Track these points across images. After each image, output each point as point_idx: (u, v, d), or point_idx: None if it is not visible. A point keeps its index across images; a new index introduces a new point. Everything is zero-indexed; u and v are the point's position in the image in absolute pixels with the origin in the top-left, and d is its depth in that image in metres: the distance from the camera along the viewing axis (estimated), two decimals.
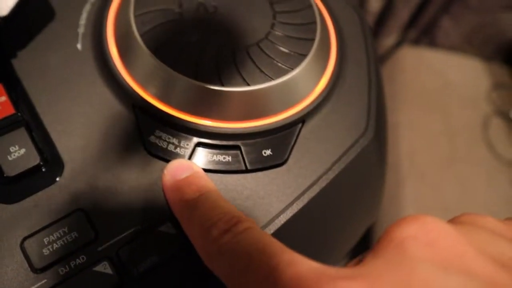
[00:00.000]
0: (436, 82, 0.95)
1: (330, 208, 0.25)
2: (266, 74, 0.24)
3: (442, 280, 0.12)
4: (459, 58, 1.00)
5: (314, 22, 0.26)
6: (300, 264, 0.14)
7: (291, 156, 0.24)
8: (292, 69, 0.24)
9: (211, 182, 0.21)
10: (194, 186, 0.20)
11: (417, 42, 1.07)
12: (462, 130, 0.90)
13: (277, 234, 0.22)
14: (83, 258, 0.20)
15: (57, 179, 0.22)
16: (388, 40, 1.04)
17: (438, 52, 1.01)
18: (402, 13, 0.98)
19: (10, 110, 0.23)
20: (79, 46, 0.26)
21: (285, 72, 0.24)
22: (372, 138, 0.26)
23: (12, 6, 0.23)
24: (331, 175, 0.24)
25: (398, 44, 1.06)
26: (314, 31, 0.26)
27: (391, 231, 0.14)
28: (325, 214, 0.25)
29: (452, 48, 1.03)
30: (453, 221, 0.16)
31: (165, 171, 0.22)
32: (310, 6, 0.27)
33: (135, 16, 0.24)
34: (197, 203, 0.19)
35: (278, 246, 0.16)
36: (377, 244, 0.15)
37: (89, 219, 0.21)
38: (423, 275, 0.13)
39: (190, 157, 0.23)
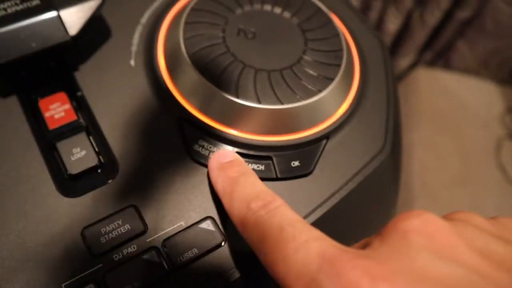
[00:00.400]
0: (450, 104, 0.98)
1: (348, 216, 0.28)
2: (298, 95, 0.27)
3: (437, 266, 0.15)
4: (474, 81, 1.02)
5: (341, 50, 0.30)
6: (325, 241, 0.17)
7: (317, 167, 0.27)
8: (321, 91, 0.27)
9: (250, 168, 0.24)
10: (236, 167, 0.23)
11: (432, 63, 1.10)
12: (475, 151, 0.92)
13: None
14: (134, 247, 0.23)
15: (112, 178, 0.25)
16: (404, 60, 1.07)
17: (453, 74, 1.04)
18: (418, 35, 1.01)
19: (72, 116, 0.27)
20: (132, 62, 0.29)
21: (314, 94, 0.27)
22: (389, 154, 0.29)
23: (81, 26, 0.27)
24: (351, 186, 0.27)
25: (414, 65, 1.08)
26: (341, 57, 0.29)
27: (397, 222, 0.17)
28: (343, 221, 0.28)
29: (467, 71, 1.05)
30: (448, 217, 0.19)
31: (211, 156, 0.25)
32: (337, 35, 0.30)
33: (184, 39, 0.28)
34: (239, 180, 0.22)
35: (307, 224, 0.19)
36: (384, 231, 0.17)
37: (140, 215, 0.24)
38: (422, 262, 0.15)
39: None
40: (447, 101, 0.99)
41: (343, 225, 0.28)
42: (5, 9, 0.26)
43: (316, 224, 0.26)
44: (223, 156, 0.24)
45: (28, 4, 0.26)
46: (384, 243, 0.17)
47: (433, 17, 0.95)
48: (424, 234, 0.17)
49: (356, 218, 0.29)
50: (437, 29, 1.01)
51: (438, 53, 1.08)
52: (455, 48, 1.05)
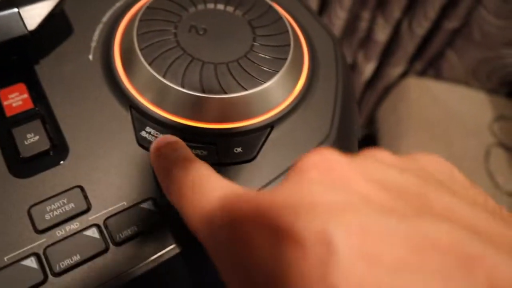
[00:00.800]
0: (440, 112, 0.99)
1: None
2: (242, 85, 0.28)
3: (326, 195, 0.15)
4: (464, 90, 1.03)
5: (289, 45, 0.31)
6: (227, 189, 0.19)
7: (260, 154, 0.28)
8: (265, 82, 0.29)
9: (187, 147, 0.25)
10: (170, 146, 0.25)
11: (422, 73, 1.11)
12: (464, 159, 0.92)
13: None
14: (76, 224, 0.25)
15: (62, 162, 0.27)
16: (395, 70, 1.09)
17: (443, 84, 1.05)
18: (408, 45, 1.02)
19: (29, 105, 0.28)
20: (90, 57, 0.31)
21: (258, 84, 0.29)
22: (334, 143, 0.30)
23: (39, 22, 0.29)
24: None
25: (404, 75, 1.10)
26: (288, 52, 0.31)
27: (299, 161, 0.18)
28: None
29: (457, 80, 1.06)
30: (356, 154, 0.19)
31: (153, 141, 0.26)
32: (286, 31, 0.32)
33: (137, 35, 0.29)
34: (167, 154, 0.24)
35: (216, 178, 0.20)
36: (289, 171, 0.18)
37: (85, 194, 0.26)
38: (312, 193, 0.16)
39: None
40: (437, 110, 1.00)
41: None
42: None
43: None
44: (163, 141, 0.26)
45: None
46: (286, 181, 0.18)
47: (421, 27, 0.97)
48: (321, 169, 0.17)
49: None
50: (426, 39, 1.03)
51: (428, 63, 1.10)
52: (445, 57, 1.06)
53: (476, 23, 0.95)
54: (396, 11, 0.96)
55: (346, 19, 0.99)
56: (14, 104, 0.28)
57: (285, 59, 0.30)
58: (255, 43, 0.31)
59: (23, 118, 0.28)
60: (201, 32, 0.31)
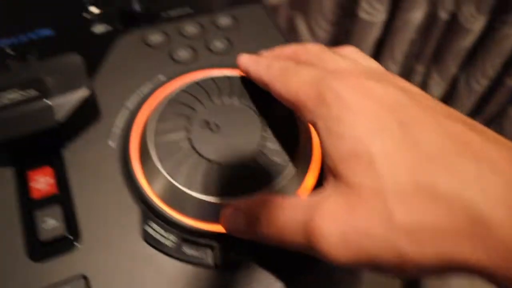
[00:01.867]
0: None
1: None
2: (249, 189, 0.29)
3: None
4: None
5: (297, 145, 0.31)
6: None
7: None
8: (272, 182, 0.29)
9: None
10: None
11: None
12: None
13: None
14: None
15: (73, 249, 0.28)
16: None
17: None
18: (466, 101, 0.98)
19: (54, 190, 0.31)
20: (111, 143, 0.33)
21: (266, 186, 0.29)
22: None
23: (68, 114, 0.31)
24: None
25: None
26: (294, 152, 0.31)
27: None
28: None
29: None
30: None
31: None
32: (296, 127, 0.32)
33: (154, 131, 0.31)
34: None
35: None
36: None
37: (88, 286, 0.27)
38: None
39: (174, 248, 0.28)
40: None
41: None
42: (9, 99, 0.31)
43: None
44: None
45: (27, 93, 0.31)
46: None
47: (479, 84, 0.93)
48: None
49: None
50: (486, 96, 0.97)
51: (489, 119, 1.04)
52: (507, 115, 1.00)
53: None
54: (452, 67, 0.92)
55: (398, 73, 0.96)
56: (39, 187, 0.31)
57: (286, 166, 0.30)
58: (264, 142, 0.31)
59: (46, 202, 0.30)
60: (214, 129, 0.31)
